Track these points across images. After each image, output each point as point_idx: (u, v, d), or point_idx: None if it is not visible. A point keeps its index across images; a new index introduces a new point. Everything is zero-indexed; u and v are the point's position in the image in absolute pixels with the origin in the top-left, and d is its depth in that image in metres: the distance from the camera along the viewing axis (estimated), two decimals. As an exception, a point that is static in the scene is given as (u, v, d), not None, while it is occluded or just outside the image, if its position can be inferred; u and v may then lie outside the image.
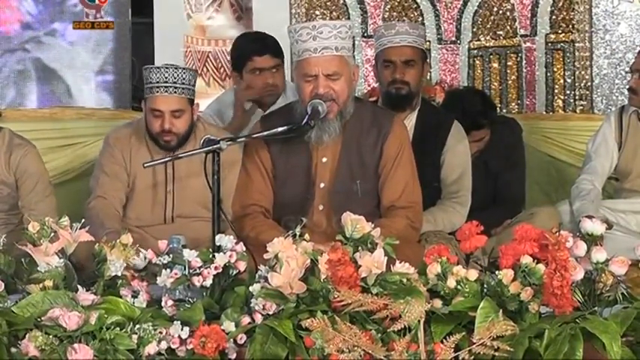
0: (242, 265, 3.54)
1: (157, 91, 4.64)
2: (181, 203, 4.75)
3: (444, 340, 3.23)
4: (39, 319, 3.36)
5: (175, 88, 4.63)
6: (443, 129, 5.06)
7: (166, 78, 4.62)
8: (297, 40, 4.29)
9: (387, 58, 5.08)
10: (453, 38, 6.92)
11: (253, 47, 5.42)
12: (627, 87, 5.46)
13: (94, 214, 4.63)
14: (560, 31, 6.75)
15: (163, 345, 3.33)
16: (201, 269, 3.48)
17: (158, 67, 4.67)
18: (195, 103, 4.75)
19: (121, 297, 3.49)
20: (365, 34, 6.88)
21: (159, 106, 4.65)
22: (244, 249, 3.56)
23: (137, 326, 3.34)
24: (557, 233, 3.36)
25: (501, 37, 6.87)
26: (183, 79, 4.65)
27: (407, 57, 5.05)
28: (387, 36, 5.08)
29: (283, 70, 5.42)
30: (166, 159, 4.40)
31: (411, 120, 5.05)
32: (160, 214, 4.76)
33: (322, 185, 4.39)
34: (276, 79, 5.39)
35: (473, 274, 3.45)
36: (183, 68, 4.73)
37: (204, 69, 6.79)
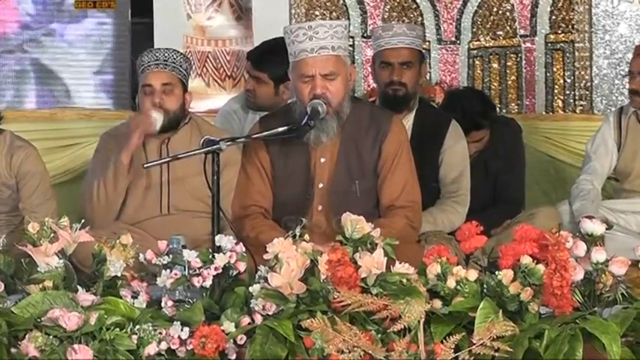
0: (242, 266, 3.54)
1: (148, 69, 4.69)
2: (177, 193, 4.72)
3: (444, 341, 3.23)
4: (39, 320, 3.36)
5: (166, 65, 4.69)
6: (441, 129, 5.07)
7: (157, 57, 4.71)
8: (293, 41, 4.29)
9: (384, 60, 5.09)
10: (453, 38, 6.92)
11: (249, 51, 5.75)
12: (628, 89, 5.43)
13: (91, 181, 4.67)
14: (559, 32, 6.75)
15: (163, 345, 3.33)
16: (201, 270, 3.48)
17: (149, 50, 4.78)
18: (188, 92, 4.76)
19: (120, 297, 3.49)
20: (365, 35, 6.88)
21: (149, 80, 4.68)
22: (244, 249, 3.56)
23: (137, 327, 3.34)
24: (557, 233, 3.37)
25: (501, 38, 6.86)
26: (175, 59, 4.72)
27: (404, 59, 5.05)
28: (384, 37, 5.09)
29: (269, 82, 5.43)
30: (166, 159, 4.39)
31: (408, 120, 5.06)
32: (156, 205, 4.72)
33: (321, 185, 4.39)
34: (257, 88, 5.46)
35: (473, 275, 3.45)
36: (175, 50, 4.79)
37: (204, 69, 6.78)
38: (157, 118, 4.60)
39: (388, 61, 5.07)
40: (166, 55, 4.71)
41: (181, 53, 4.83)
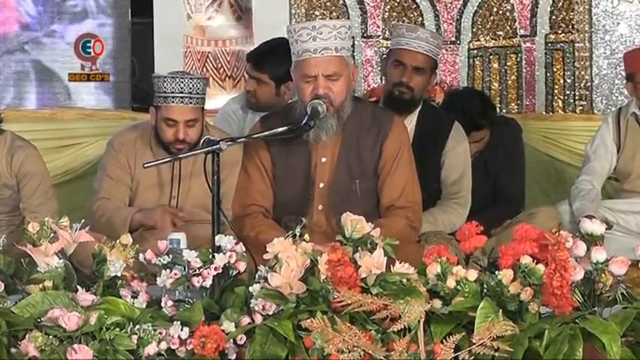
0: (242, 266, 3.54)
1: (173, 101, 4.63)
2: (185, 207, 4.75)
3: (444, 341, 3.23)
4: (39, 320, 3.36)
5: (191, 98, 4.63)
6: (443, 130, 5.06)
7: (182, 88, 4.62)
8: (296, 41, 4.29)
9: (399, 59, 5.06)
10: (453, 38, 6.92)
11: (249, 52, 5.70)
12: (635, 95, 5.40)
13: (103, 212, 4.66)
14: (559, 32, 6.75)
15: (163, 345, 3.33)
16: (201, 270, 3.48)
17: (172, 77, 4.65)
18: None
19: (120, 297, 3.49)
20: (365, 35, 6.88)
21: (174, 116, 4.63)
22: (244, 249, 3.56)
23: (137, 327, 3.34)
24: (557, 233, 3.37)
25: (501, 38, 6.87)
26: (198, 88, 4.64)
27: (418, 63, 5.03)
28: (406, 37, 5.05)
29: (270, 82, 5.41)
30: (166, 159, 4.38)
31: (411, 121, 5.05)
32: None
33: (321, 185, 4.39)
34: (257, 88, 5.42)
35: (472, 275, 3.45)
36: (197, 77, 4.73)
37: (204, 69, 6.79)
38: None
39: (402, 62, 5.05)
40: (190, 86, 4.63)
41: (201, 78, 4.76)
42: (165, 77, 4.66)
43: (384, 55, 5.40)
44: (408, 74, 5.02)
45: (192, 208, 4.73)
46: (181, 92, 4.62)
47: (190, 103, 4.64)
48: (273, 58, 5.33)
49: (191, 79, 4.66)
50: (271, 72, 5.38)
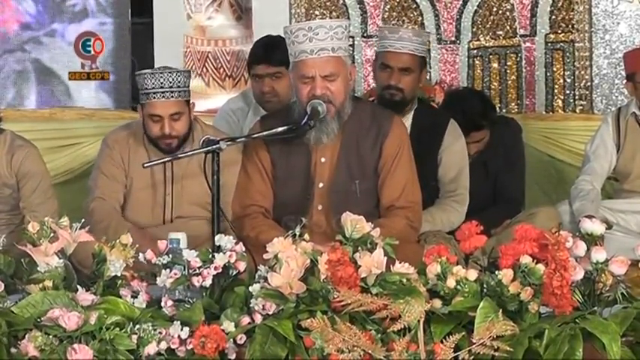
0: (242, 266, 3.54)
1: (154, 97, 4.59)
2: (180, 205, 4.74)
3: (444, 340, 3.23)
4: (39, 320, 3.36)
5: (172, 92, 4.60)
6: (439, 128, 5.07)
7: (162, 83, 4.59)
8: (293, 42, 4.29)
9: (384, 62, 5.07)
10: (453, 38, 6.93)
11: (252, 55, 5.42)
12: (635, 95, 5.41)
13: (102, 218, 4.62)
14: (559, 31, 6.75)
15: (163, 345, 3.33)
16: (201, 269, 3.48)
17: (152, 73, 4.61)
18: (191, 102, 4.74)
19: (120, 297, 3.49)
20: (365, 34, 6.89)
21: (157, 111, 4.61)
22: (244, 249, 3.56)
23: (137, 326, 3.34)
24: (557, 233, 3.37)
25: (501, 37, 6.87)
26: (179, 81, 4.61)
27: (404, 64, 5.04)
28: (389, 39, 5.07)
29: (287, 76, 5.32)
30: (166, 159, 4.39)
31: (407, 120, 5.04)
32: (159, 216, 4.75)
33: (321, 185, 4.39)
34: (276, 85, 5.33)
35: (472, 274, 3.45)
36: (178, 71, 4.68)
37: (204, 69, 6.79)
38: None
39: (389, 65, 5.06)
40: (171, 79, 4.58)
41: (182, 71, 4.71)
42: (145, 74, 4.62)
43: (372, 62, 5.36)
44: (395, 76, 5.03)
45: (189, 205, 4.72)
46: (162, 87, 4.59)
47: (172, 97, 4.60)
48: (285, 49, 5.27)
49: (171, 72, 4.61)
50: (289, 63, 5.28)
